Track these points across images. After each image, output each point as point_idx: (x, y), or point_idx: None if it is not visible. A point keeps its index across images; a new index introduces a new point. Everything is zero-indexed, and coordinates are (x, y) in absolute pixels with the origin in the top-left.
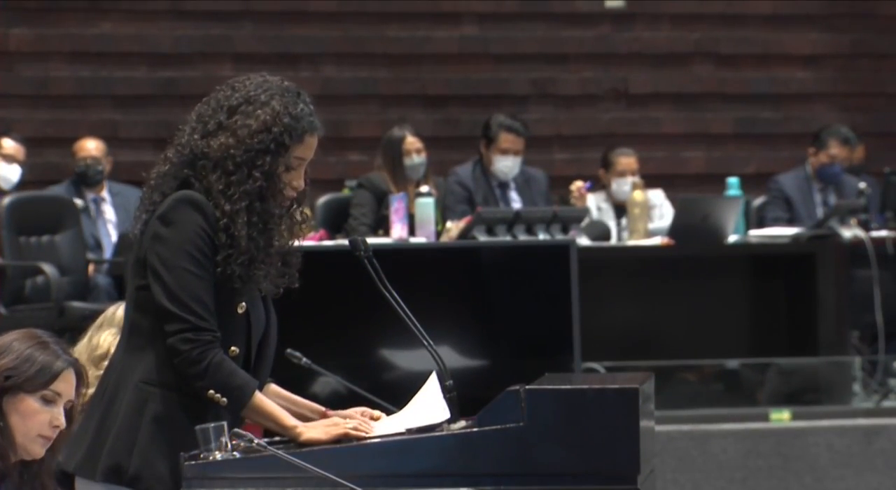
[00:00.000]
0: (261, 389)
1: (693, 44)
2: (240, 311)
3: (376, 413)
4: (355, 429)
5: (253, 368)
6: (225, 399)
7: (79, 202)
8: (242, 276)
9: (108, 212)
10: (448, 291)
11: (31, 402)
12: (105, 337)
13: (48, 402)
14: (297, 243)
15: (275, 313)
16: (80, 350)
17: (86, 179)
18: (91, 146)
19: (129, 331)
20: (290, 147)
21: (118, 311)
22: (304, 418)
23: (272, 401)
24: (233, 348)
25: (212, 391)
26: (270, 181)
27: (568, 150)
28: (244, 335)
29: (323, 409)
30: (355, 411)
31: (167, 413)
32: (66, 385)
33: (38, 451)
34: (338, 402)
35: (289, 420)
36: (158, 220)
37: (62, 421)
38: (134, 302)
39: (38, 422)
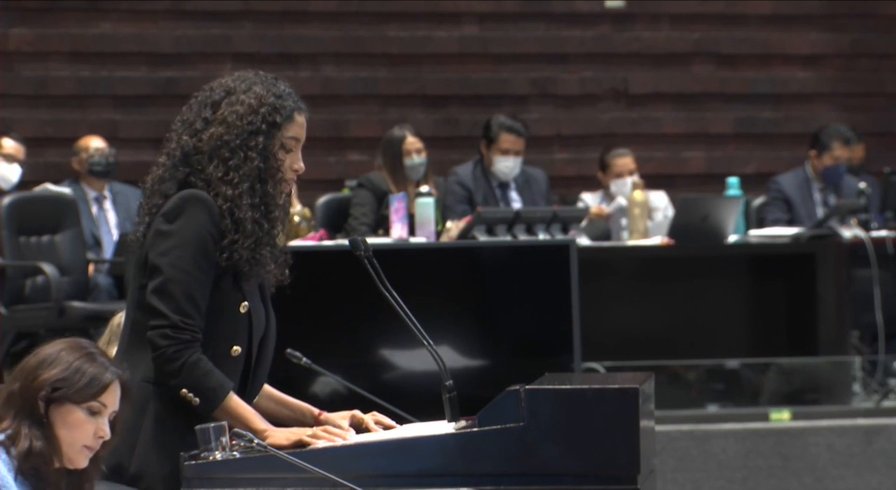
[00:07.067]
0: (260, 387)
1: (693, 44)
2: (242, 310)
3: (387, 420)
4: (314, 435)
5: (254, 367)
6: (197, 399)
7: None
8: (250, 260)
9: (109, 211)
10: (448, 291)
11: (77, 414)
12: (115, 352)
13: (94, 413)
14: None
15: (274, 313)
16: None
17: (101, 171)
18: (97, 143)
19: (132, 330)
20: (282, 126)
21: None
22: (298, 421)
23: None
24: (235, 347)
25: (185, 390)
26: (267, 162)
27: (568, 150)
28: (246, 334)
29: (317, 411)
30: (348, 414)
31: (169, 412)
32: (112, 397)
33: (81, 461)
34: (338, 401)
35: (259, 424)
36: (162, 217)
37: (107, 432)
38: (136, 301)
39: (84, 432)
